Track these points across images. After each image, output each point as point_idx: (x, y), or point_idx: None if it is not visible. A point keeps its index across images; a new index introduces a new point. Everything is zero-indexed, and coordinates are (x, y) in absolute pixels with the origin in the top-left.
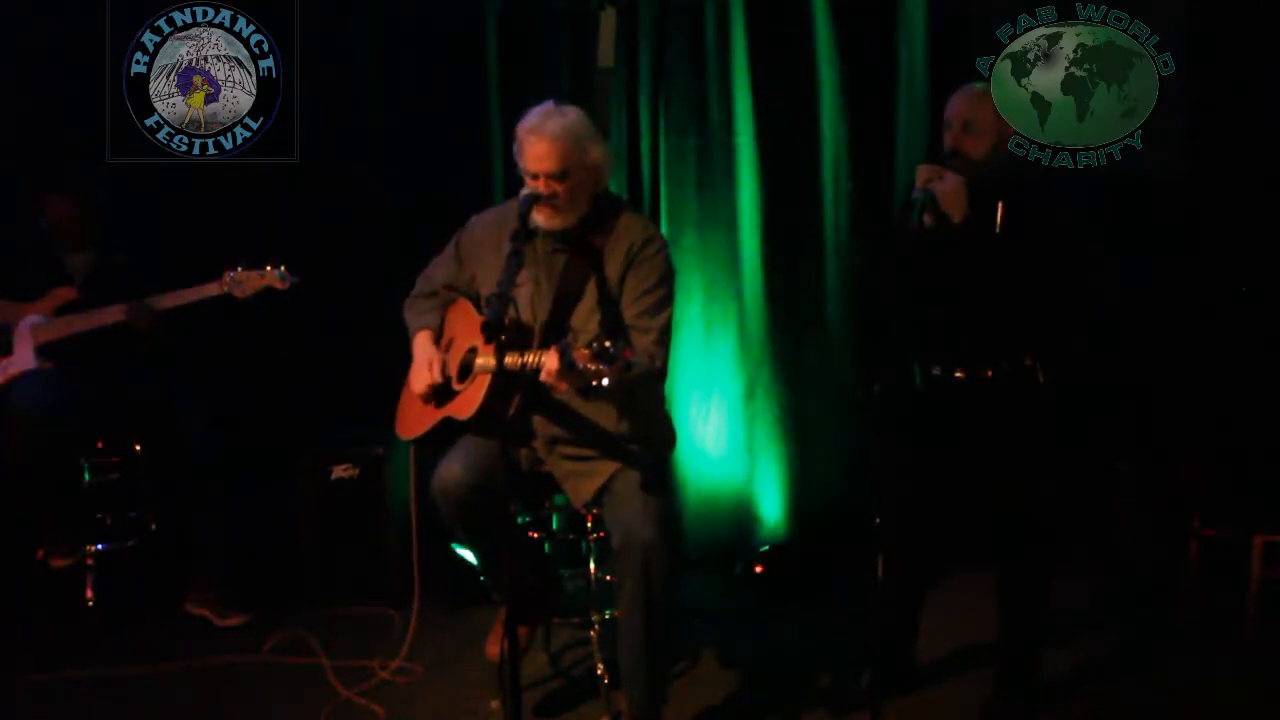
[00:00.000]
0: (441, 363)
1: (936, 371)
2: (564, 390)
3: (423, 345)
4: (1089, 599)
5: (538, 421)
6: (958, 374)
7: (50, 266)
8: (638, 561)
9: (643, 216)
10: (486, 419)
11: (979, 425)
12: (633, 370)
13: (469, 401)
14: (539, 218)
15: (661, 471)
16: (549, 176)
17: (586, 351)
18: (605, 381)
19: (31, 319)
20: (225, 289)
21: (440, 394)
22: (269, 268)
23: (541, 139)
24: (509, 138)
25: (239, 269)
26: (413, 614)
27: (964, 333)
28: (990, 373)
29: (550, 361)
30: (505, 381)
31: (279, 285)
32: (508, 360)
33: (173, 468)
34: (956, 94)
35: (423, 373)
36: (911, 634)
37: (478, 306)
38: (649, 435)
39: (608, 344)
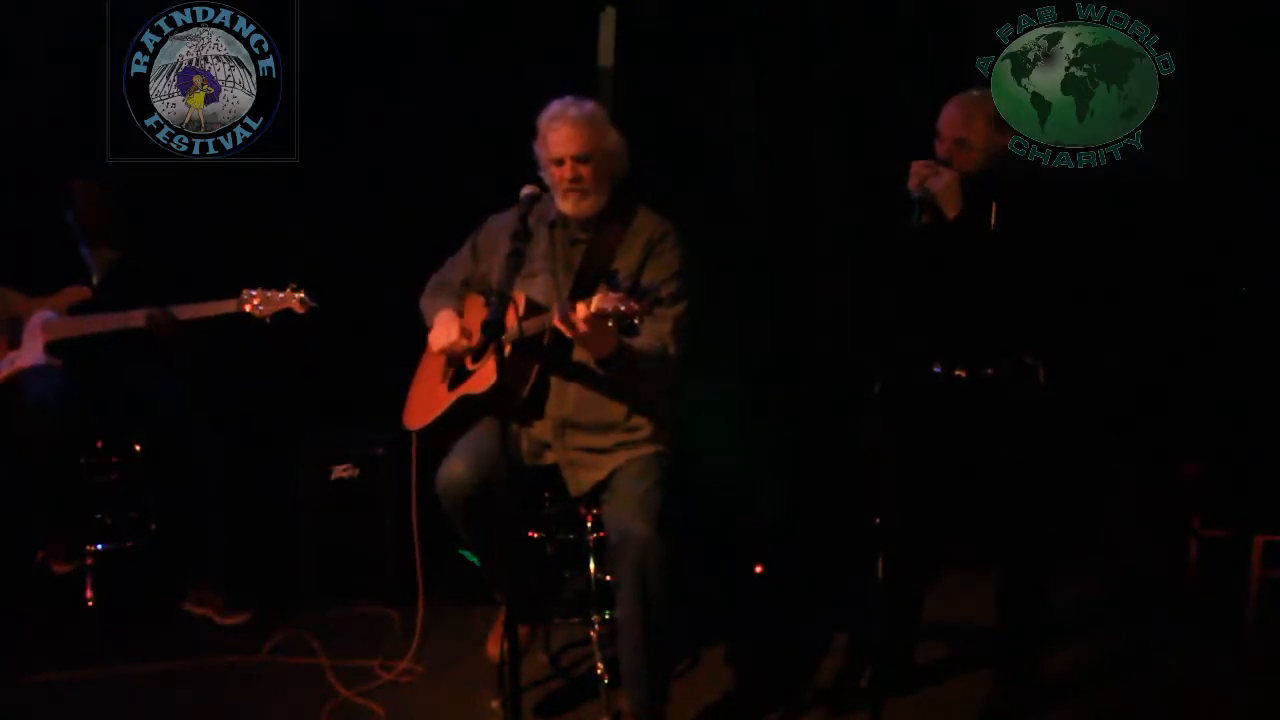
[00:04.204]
0: (463, 329)
1: (937, 370)
2: (585, 332)
3: (446, 316)
4: (1089, 599)
5: (551, 404)
6: (958, 372)
7: (70, 262)
8: (634, 560)
9: (659, 213)
10: (502, 394)
11: (979, 424)
12: (662, 297)
13: (485, 377)
14: (566, 205)
15: (662, 470)
16: (574, 159)
17: (617, 294)
18: (637, 322)
19: (44, 315)
20: (244, 307)
21: (455, 375)
22: (290, 290)
23: (565, 124)
24: (508, 138)
25: (258, 288)
26: (418, 613)
27: (964, 331)
28: (992, 371)
29: (581, 308)
30: (522, 351)
31: (298, 310)
32: (527, 324)
33: (173, 467)
34: (950, 105)
35: (449, 329)
36: (911, 634)
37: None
38: (653, 431)
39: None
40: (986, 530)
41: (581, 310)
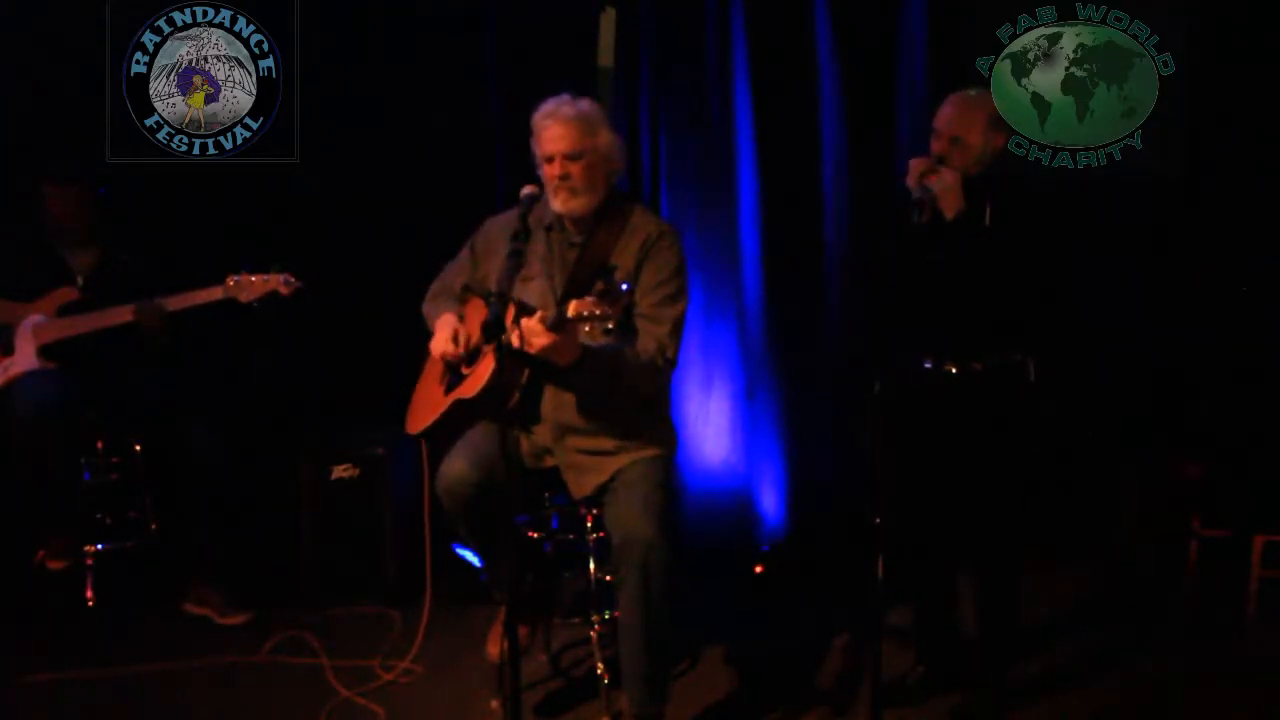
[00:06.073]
0: (465, 335)
1: (928, 365)
2: (552, 344)
3: (448, 320)
4: (1089, 599)
5: (547, 408)
6: (948, 367)
7: (51, 265)
8: (638, 560)
9: (656, 213)
10: (494, 397)
11: (966, 419)
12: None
13: (476, 380)
14: (556, 203)
15: (663, 471)
16: (564, 157)
17: (590, 298)
18: (610, 325)
19: (34, 319)
20: (229, 293)
21: (451, 379)
22: (274, 273)
23: (556, 121)
24: (509, 138)
25: (243, 273)
26: (424, 613)
27: (955, 326)
28: (979, 365)
29: (533, 322)
30: (512, 357)
31: (283, 291)
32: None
33: (173, 468)
34: (948, 103)
35: (445, 335)
36: (946, 628)
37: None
38: (653, 433)
39: (609, 284)
40: (963, 528)
41: (532, 322)
